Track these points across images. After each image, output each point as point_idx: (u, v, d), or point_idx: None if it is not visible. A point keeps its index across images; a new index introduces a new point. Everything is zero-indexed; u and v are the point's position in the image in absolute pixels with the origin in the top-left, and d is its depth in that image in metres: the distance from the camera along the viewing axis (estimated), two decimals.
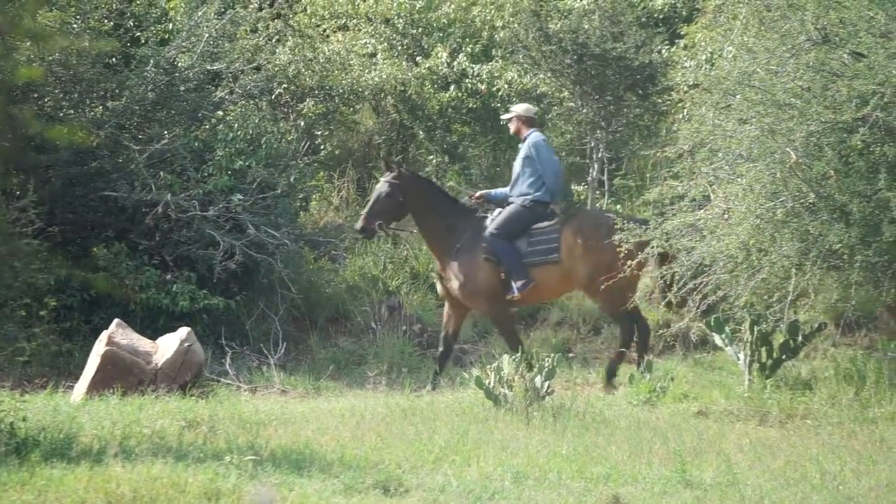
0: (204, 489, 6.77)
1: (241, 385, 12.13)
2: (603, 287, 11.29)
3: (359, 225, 12.08)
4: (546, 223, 11.71)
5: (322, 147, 16.36)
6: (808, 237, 10.06)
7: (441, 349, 12.02)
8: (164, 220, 13.07)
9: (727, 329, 11.09)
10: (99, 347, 10.93)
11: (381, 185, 12.05)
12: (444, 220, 11.90)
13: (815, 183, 9.99)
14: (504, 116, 12.49)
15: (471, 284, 11.71)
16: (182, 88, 13.78)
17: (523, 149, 11.91)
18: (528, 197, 11.76)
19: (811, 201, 10.05)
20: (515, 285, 11.58)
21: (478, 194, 12.24)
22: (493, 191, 12.36)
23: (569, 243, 11.61)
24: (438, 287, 12.20)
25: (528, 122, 12.01)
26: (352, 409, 10.06)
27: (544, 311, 13.97)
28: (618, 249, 11.02)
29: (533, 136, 11.90)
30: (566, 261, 11.62)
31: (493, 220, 11.80)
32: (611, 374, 11.72)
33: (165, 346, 11.14)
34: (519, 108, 12.15)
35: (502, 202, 11.94)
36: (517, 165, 11.93)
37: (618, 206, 15.16)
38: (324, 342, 13.61)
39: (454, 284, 11.80)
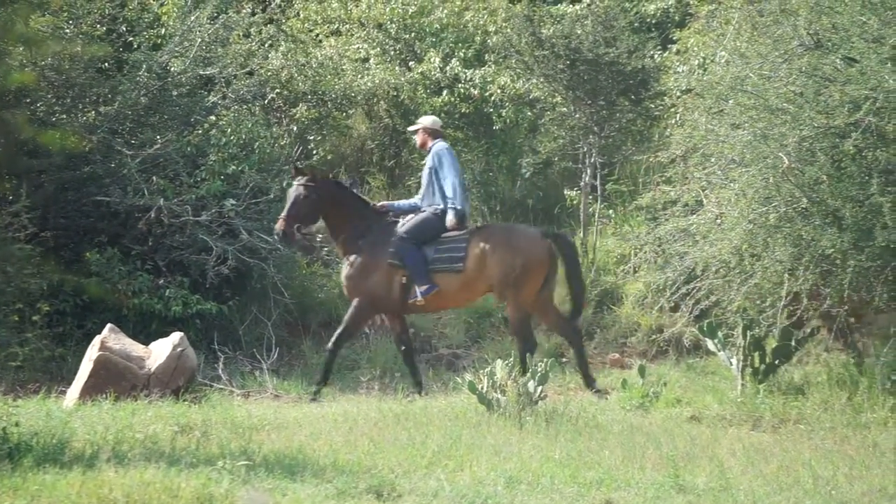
0: (196, 494, 6.76)
1: (234, 390, 12.12)
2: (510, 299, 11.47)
3: (278, 227, 11.79)
4: (456, 232, 11.70)
5: (315, 152, 16.35)
6: (801, 242, 10.07)
7: (403, 349, 11.97)
8: (156, 225, 13.06)
9: (720, 334, 11.09)
10: (92, 352, 10.91)
11: (297, 189, 11.82)
12: (354, 222, 11.87)
13: (808, 188, 10.01)
14: (410, 128, 12.56)
15: (358, 279, 11.67)
16: (175, 93, 13.79)
17: (428, 160, 11.90)
18: (440, 206, 11.75)
19: (804, 206, 10.07)
20: (419, 290, 11.53)
21: (380, 204, 12.19)
22: (395, 202, 12.33)
23: (476, 253, 11.59)
24: None
25: (434, 133, 12.03)
26: (345, 414, 10.05)
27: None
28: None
29: (437, 145, 11.89)
30: (470, 271, 11.59)
31: (404, 224, 11.78)
32: (589, 382, 11.62)
33: (158, 351, 11.13)
34: (425, 121, 12.20)
35: (407, 213, 11.91)
36: (424, 177, 11.92)
37: (610, 212, 15.18)
38: (317, 347, 13.59)
39: (342, 275, 11.84)
